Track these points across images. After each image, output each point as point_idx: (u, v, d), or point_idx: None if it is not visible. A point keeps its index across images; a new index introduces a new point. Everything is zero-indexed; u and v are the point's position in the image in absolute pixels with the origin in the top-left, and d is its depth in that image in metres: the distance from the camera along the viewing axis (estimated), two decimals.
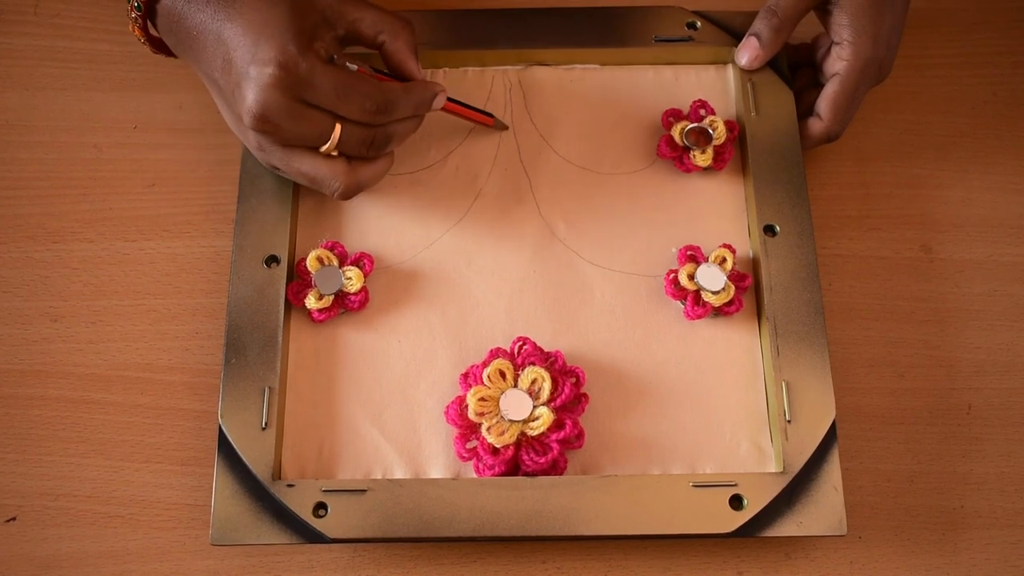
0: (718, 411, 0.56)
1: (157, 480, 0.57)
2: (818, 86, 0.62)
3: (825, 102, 0.60)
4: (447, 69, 0.64)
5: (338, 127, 0.52)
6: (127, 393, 0.59)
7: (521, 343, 0.56)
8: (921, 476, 0.57)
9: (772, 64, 0.62)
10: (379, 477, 0.54)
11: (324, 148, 0.53)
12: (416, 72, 0.57)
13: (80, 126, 0.65)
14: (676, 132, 0.61)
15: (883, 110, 0.66)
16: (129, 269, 0.62)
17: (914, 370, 0.60)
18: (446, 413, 0.54)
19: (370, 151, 0.55)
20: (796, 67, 0.64)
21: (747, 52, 0.61)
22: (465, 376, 0.55)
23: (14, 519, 0.56)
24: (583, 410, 0.54)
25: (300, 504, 0.52)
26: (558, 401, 0.53)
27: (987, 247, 0.63)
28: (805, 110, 0.62)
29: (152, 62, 0.68)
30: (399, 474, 0.54)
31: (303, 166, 0.54)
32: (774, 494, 0.52)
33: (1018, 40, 0.69)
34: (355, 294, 0.57)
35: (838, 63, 0.60)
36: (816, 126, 0.61)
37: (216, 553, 0.56)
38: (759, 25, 0.61)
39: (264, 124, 0.51)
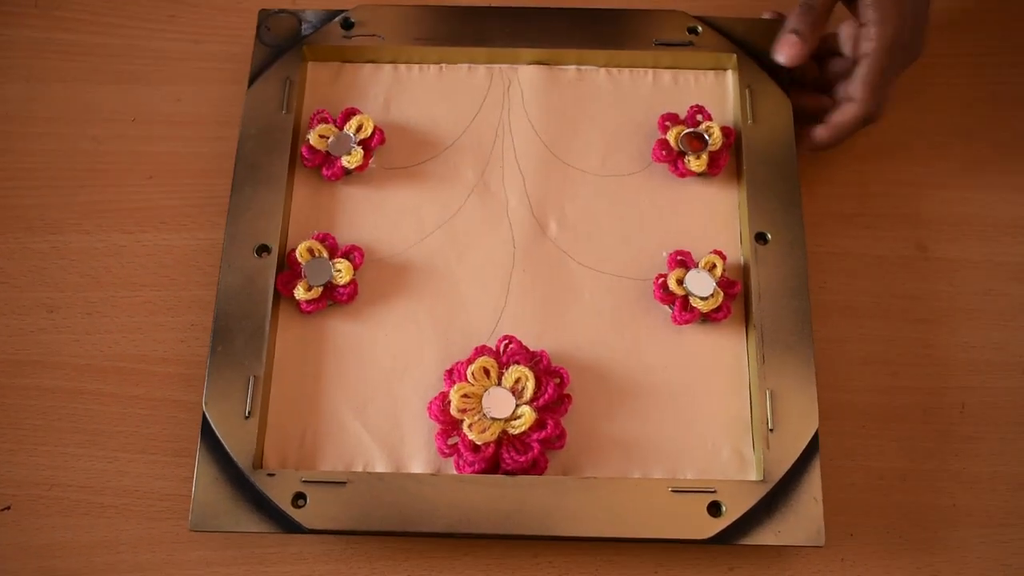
0: (701, 417, 0.56)
1: (151, 471, 0.57)
2: (824, 89, 0.63)
3: (857, 82, 0.60)
4: (445, 65, 0.64)
5: None
6: (122, 384, 0.59)
7: (507, 342, 0.56)
8: (913, 474, 0.57)
9: (771, 72, 0.62)
10: (360, 470, 0.54)
11: None
12: None
13: (79, 118, 0.66)
14: (672, 136, 0.61)
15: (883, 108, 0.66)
16: (126, 261, 0.62)
17: (908, 368, 0.60)
18: (429, 408, 0.54)
19: None
20: (821, 57, 0.64)
21: (788, 49, 0.61)
22: (450, 372, 0.55)
23: (8, 508, 0.57)
24: (566, 411, 0.54)
25: (279, 494, 0.52)
26: (541, 401, 0.53)
27: (982, 246, 0.63)
28: (821, 110, 0.62)
29: (151, 55, 0.68)
30: (380, 467, 0.54)
31: None
32: (753, 502, 0.52)
33: (1016, 40, 0.69)
34: (344, 286, 0.57)
35: (866, 44, 0.60)
36: (850, 109, 0.61)
37: (209, 543, 0.56)
38: (797, 22, 0.61)
39: None
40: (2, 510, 0.57)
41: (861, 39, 0.60)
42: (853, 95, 0.60)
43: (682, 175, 0.61)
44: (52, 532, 0.56)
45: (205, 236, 0.62)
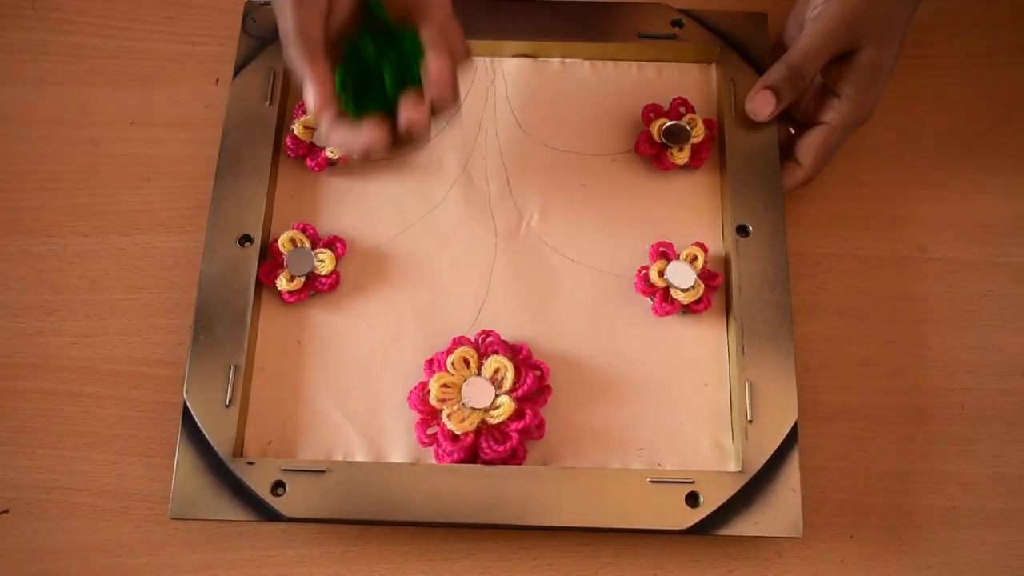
0: (681, 408, 0.56)
1: (150, 473, 0.57)
2: (786, 121, 0.62)
3: (809, 150, 0.59)
4: None
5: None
6: (121, 387, 0.59)
7: (485, 335, 0.56)
8: (913, 476, 0.57)
9: (754, 66, 0.62)
10: (340, 459, 0.54)
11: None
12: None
13: (77, 120, 0.66)
14: (655, 129, 0.61)
15: (879, 110, 0.66)
16: (124, 263, 0.62)
17: (907, 370, 0.60)
18: (409, 398, 0.55)
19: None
20: None
21: (763, 107, 0.59)
22: (430, 363, 0.55)
23: (7, 512, 0.57)
24: (545, 401, 0.55)
25: (258, 482, 0.52)
26: (520, 391, 0.54)
27: (981, 247, 0.63)
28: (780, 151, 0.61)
29: (149, 57, 0.68)
30: (360, 457, 0.54)
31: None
32: (731, 493, 0.53)
33: (1015, 41, 0.68)
34: (326, 277, 0.57)
35: (831, 114, 0.59)
36: (797, 174, 0.60)
37: (208, 546, 0.56)
38: (778, 80, 0.59)
39: None
40: (1, 513, 0.57)
41: (827, 105, 0.59)
42: (803, 161, 0.60)
43: (665, 168, 0.61)
44: (51, 535, 0.56)
45: (204, 238, 0.62)
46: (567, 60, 0.64)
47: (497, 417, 0.53)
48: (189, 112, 0.66)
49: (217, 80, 0.67)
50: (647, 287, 0.57)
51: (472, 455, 0.53)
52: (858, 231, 0.63)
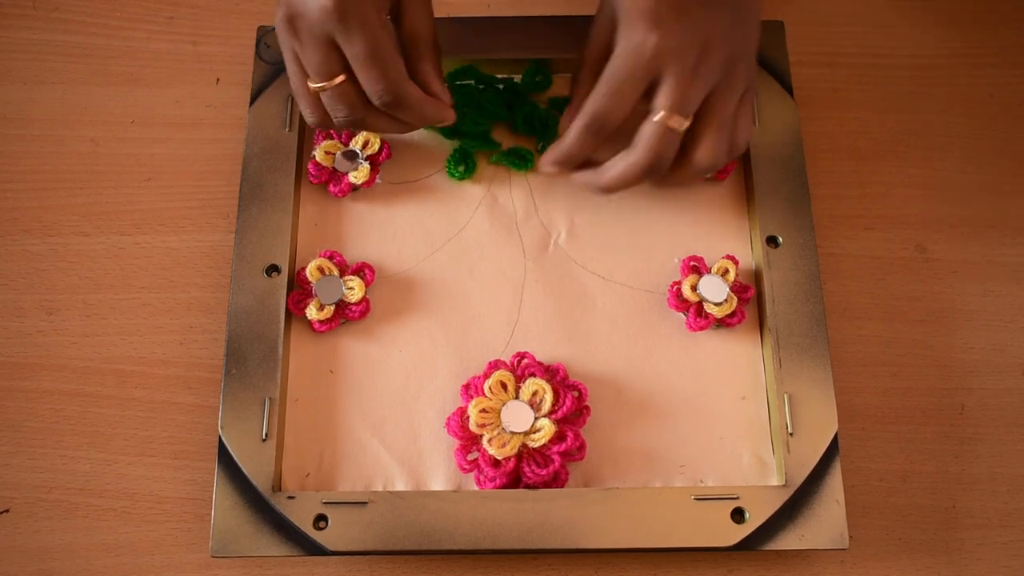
0: (720, 423, 0.56)
1: (150, 473, 0.57)
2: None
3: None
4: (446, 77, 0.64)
5: (338, 80, 0.52)
6: (121, 386, 0.59)
7: (520, 357, 0.56)
8: (913, 476, 0.57)
9: (775, 74, 0.62)
10: (380, 489, 0.54)
11: (311, 84, 0.53)
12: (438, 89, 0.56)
13: (77, 120, 0.66)
14: None
15: (880, 110, 0.66)
16: (124, 263, 0.62)
17: (908, 370, 0.60)
18: (447, 424, 0.54)
19: (340, 116, 0.53)
20: None
21: (553, 169, 0.55)
22: (466, 387, 0.55)
23: (7, 511, 0.57)
24: (584, 422, 0.54)
25: (300, 516, 0.52)
26: (559, 413, 0.53)
27: (982, 248, 0.63)
28: None
29: (150, 57, 0.68)
30: (400, 486, 0.54)
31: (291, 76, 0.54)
32: (776, 507, 0.53)
33: (1016, 41, 0.69)
34: (356, 304, 0.57)
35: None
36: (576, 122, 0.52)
37: (206, 547, 0.56)
38: (577, 145, 0.53)
39: (289, 26, 0.51)
40: (1, 513, 0.57)
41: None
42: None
43: None
44: (51, 535, 0.56)
45: (204, 238, 0.62)
46: None
47: (538, 440, 0.53)
48: (189, 112, 0.66)
49: (218, 80, 0.67)
50: (680, 302, 0.57)
51: (514, 480, 0.53)
52: (859, 231, 0.63)
